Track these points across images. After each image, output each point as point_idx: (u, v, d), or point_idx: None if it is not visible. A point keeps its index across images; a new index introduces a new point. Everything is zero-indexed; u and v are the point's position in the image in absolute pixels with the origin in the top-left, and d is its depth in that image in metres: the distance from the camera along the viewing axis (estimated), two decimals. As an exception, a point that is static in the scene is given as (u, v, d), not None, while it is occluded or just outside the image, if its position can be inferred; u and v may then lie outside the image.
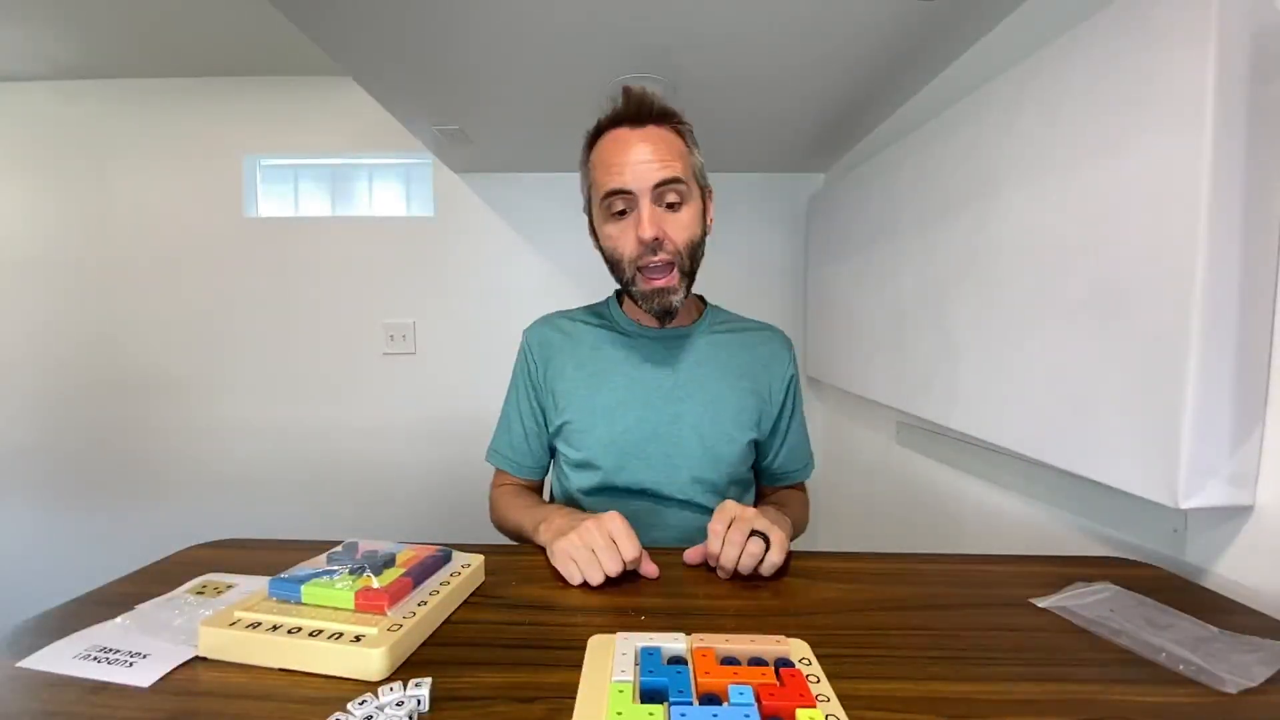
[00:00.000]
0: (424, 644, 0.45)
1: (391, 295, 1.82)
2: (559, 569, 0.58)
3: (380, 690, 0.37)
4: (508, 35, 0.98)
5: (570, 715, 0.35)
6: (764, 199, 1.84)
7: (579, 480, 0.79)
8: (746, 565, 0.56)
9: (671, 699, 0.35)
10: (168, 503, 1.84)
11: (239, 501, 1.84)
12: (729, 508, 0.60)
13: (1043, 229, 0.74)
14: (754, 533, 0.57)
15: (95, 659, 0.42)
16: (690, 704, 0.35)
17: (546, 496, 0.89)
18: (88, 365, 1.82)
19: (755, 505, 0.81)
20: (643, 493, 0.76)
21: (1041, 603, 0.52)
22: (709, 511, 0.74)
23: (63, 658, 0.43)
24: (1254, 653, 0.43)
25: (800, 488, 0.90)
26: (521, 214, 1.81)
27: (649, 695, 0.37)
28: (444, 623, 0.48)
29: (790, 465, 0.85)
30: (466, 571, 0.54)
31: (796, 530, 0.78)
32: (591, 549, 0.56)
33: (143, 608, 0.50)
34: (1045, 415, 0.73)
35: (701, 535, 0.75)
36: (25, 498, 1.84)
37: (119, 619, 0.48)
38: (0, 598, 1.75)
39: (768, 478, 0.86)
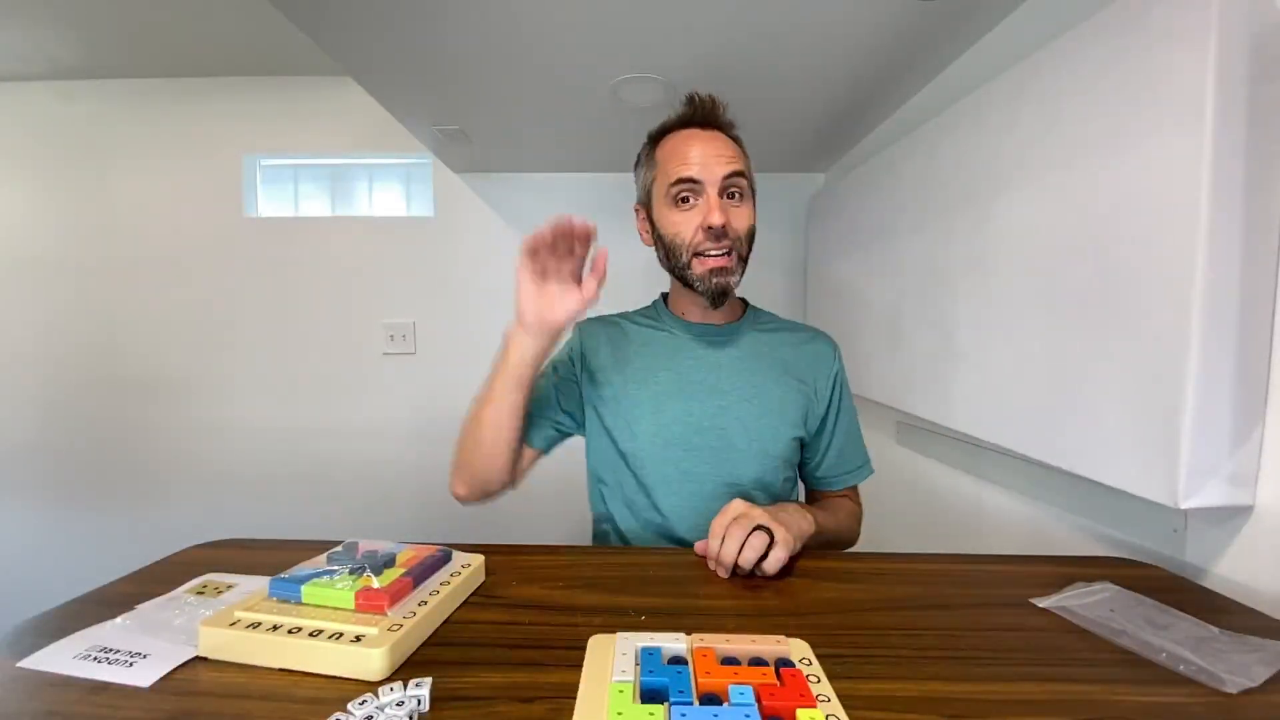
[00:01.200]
0: (424, 644, 0.45)
1: (391, 295, 1.82)
2: (520, 272, 0.66)
3: (380, 690, 0.37)
4: (508, 35, 0.98)
5: (570, 715, 0.35)
6: (764, 199, 1.80)
7: (619, 470, 0.79)
8: (747, 560, 0.56)
9: (672, 699, 0.35)
10: (168, 503, 1.84)
11: (239, 501, 1.84)
12: (734, 506, 0.60)
13: (1043, 229, 0.74)
14: (759, 528, 0.57)
15: (95, 659, 0.42)
16: (690, 704, 0.35)
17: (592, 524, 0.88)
18: (88, 365, 1.82)
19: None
20: (691, 485, 0.76)
21: (1042, 603, 0.52)
22: (760, 504, 0.75)
23: (63, 658, 0.43)
24: (1254, 653, 0.43)
25: (852, 495, 0.86)
26: (521, 214, 1.81)
27: (649, 695, 0.36)
28: (444, 623, 0.48)
29: (840, 468, 0.82)
30: (467, 571, 0.54)
31: (830, 535, 0.74)
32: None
33: (143, 608, 0.50)
34: (1045, 415, 0.73)
35: None
36: (25, 498, 1.84)
37: (119, 619, 0.48)
38: (0, 598, 1.75)
39: (817, 481, 0.84)
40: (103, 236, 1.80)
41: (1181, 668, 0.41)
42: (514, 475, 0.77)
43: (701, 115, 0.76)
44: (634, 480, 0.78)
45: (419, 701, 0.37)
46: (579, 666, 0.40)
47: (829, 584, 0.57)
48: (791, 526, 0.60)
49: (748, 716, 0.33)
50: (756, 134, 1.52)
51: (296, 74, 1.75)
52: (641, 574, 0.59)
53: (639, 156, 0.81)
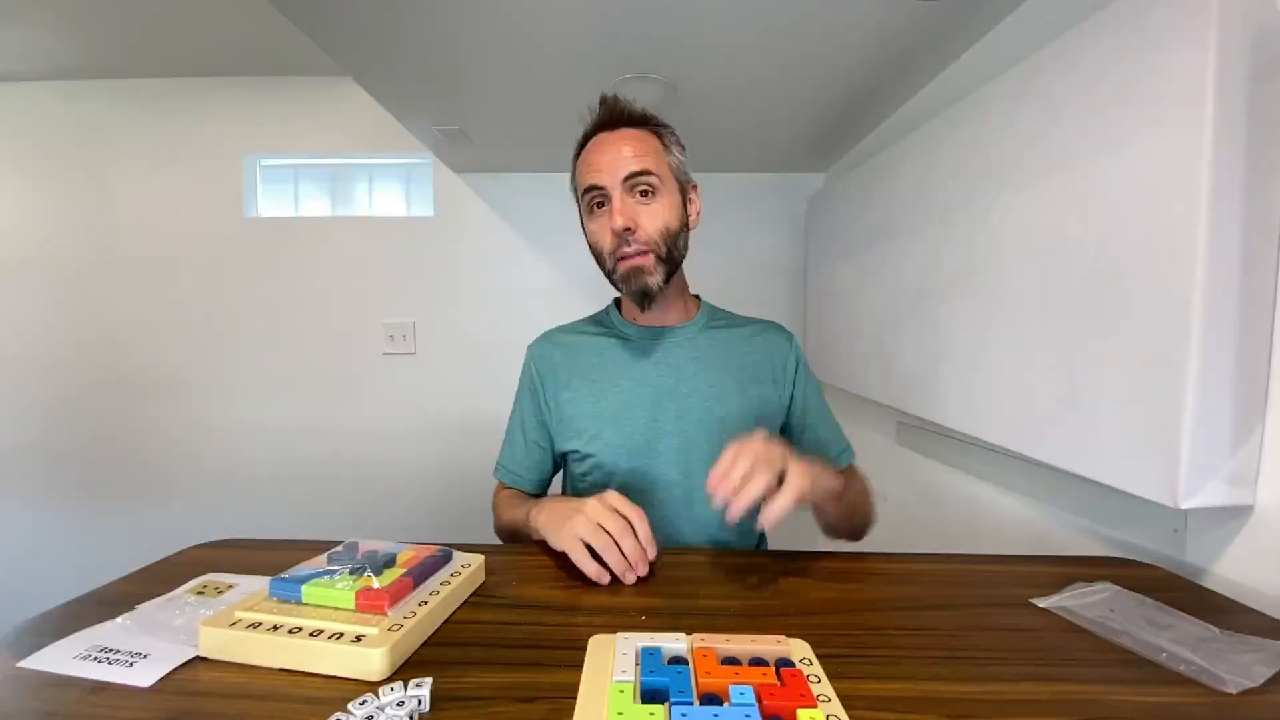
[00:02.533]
0: (424, 644, 0.45)
1: (391, 295, 1.82)
2: (569, 553, 0.57)
3: (381, 690, 0.37)
4: (508, 35, 0.98)
5: (571, 715, 0.35)
6: (764, 199, 1.84)
7: (588, 483, 0.79)
8: (747, 496, 0.50)
9: (672, 699, 0.35)
10: (168, 503, 1.84)
11: (239, 501, 1.84)
12: (743, 441, 0.55)
13: (1042, 229, 0.74)
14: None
15: (95, 659, 0.42)
16: (691, 704, 0.35)
17: None
18: (88, 365, 1.82)
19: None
20: (660, 492, 0.76)
21: (1042, 603, 0.52)
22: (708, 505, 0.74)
23: (63, 658, 0.43)
24: (1254, 653, 0.43)
25: (850, 472, 0.81)
26: (521, 214, 1.81)
27: (650, 695, 0.36)
28: (445, 623, 0.48)
29: (823, 454, 0.79)
30: (467, 571, 0.54)
31: (850, 502, 0.72)
32: (601, 524, 0.56)
33: (143, 608, 0.50)
34: (1045, 415, 0.73)
35: (724, 532, 0.75)
36: (25, 498, 1.84)
37: (119, 619, 0.48)
38: (0, 598, 1.75)
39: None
40: (103, 236, 1.80)
41: (1182, 668, 0.41)
42: None
43: (608, 115, 0.75)
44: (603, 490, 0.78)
45: (419, 701, 0.37)
46: (579, 666, 0.40)
47: (829, 584, 0.57)
48: (815, 474, 0.55)
49: (748, 717, 0.33)
50: (757, 134, 1.54)
51: (296, 74, 1.75)
52: (642, 574, 0.59)
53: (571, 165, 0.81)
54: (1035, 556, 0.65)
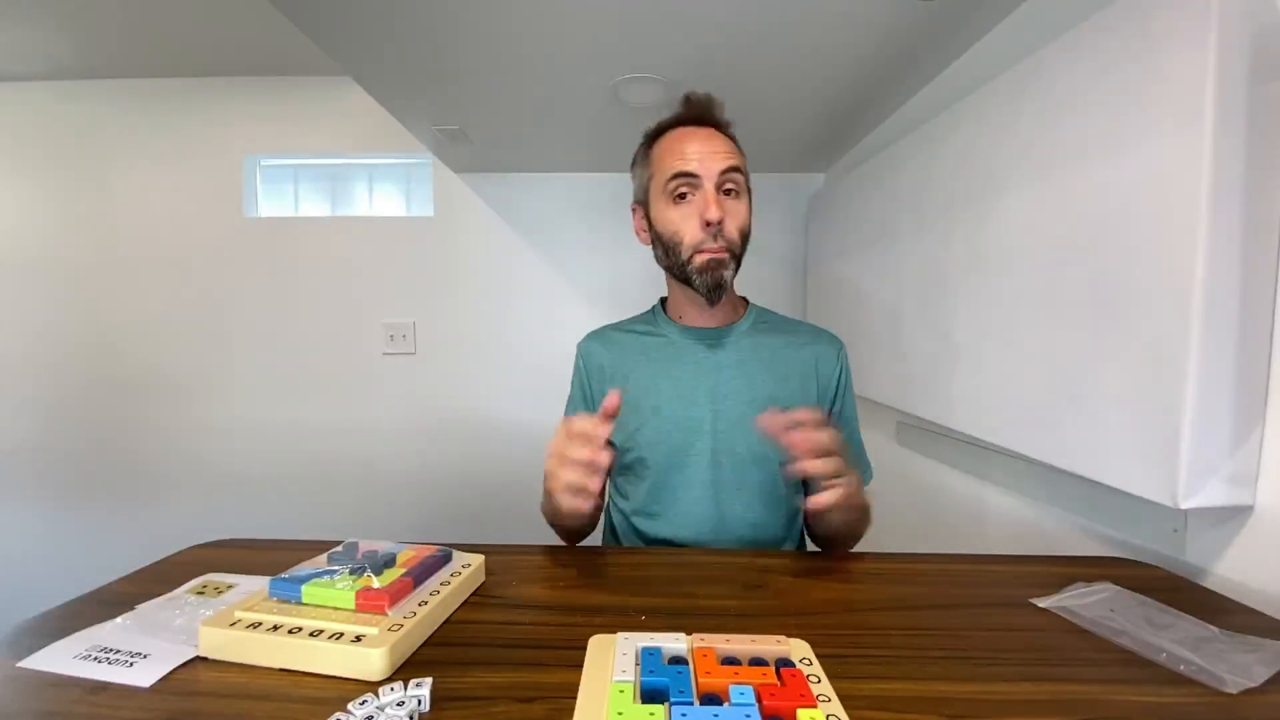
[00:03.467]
0: (424, 644, 0.45)
1: (391, 295, 1.82)
2: (553, 492, 0.58)
3: (381, 690, 0.37)
4: (508, 35, 0.98)
5: (571, 715, 0.35)
6: (764, 199, 1.82)
7: (632, 482, 0.79)
8: (818, 469, 0.57)
9: (672, 699, 0.35)
10: (168, 503, 1.84)
11: (239, 501, 1.84)
12: (821, 419, 0.60)
13: (1042, 229, 0.74)
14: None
15: (96, 659, 0.42)
16: (691, 704, 0.35)
17: (602, 521, 0.87)
18: (88, 365, 1.82)
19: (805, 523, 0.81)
20: (694, 491, 0.76)
21: (1042, 603, 0.52)
22: (758, 508, 0.75)
23: (63, 658, 0.43)
24: (1254, 653, 0.43)
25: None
26: (521, 214, 1.81)
27: (650, 695, 0.36)
28: (444, 623, 0.48)
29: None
30: (467, 571, 0.54)
31: (860, 521, 0.74)
32: (560, 454, 0.57)
33: (143, 608, 0.50)
34: (1045, 415, 0.73)
35: (752, 533, 0.76)
36: (25, 498, 1.84)
37: (119, 619, 0.48)
38: (0, 598, 1.75)
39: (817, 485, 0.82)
40: (103, 237, 1.80)
41: (1182, 668, 0.41)
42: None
43: (698, 113, 0.76)
44: (640, 489, 0.78)
45: (419, 701, 0.37)
46: (579, 666, 0.40)
47: (829, 584, 0.57)
48: (858, 487, 0.61)
49: (748, 717, 0.33)
50: (756, 134, 1.53)
51: (296, 74, 1.75)
52: (641, 574, 0.59)
53: (635, 156, 0.82)
54: (1035, 556, 0.65)
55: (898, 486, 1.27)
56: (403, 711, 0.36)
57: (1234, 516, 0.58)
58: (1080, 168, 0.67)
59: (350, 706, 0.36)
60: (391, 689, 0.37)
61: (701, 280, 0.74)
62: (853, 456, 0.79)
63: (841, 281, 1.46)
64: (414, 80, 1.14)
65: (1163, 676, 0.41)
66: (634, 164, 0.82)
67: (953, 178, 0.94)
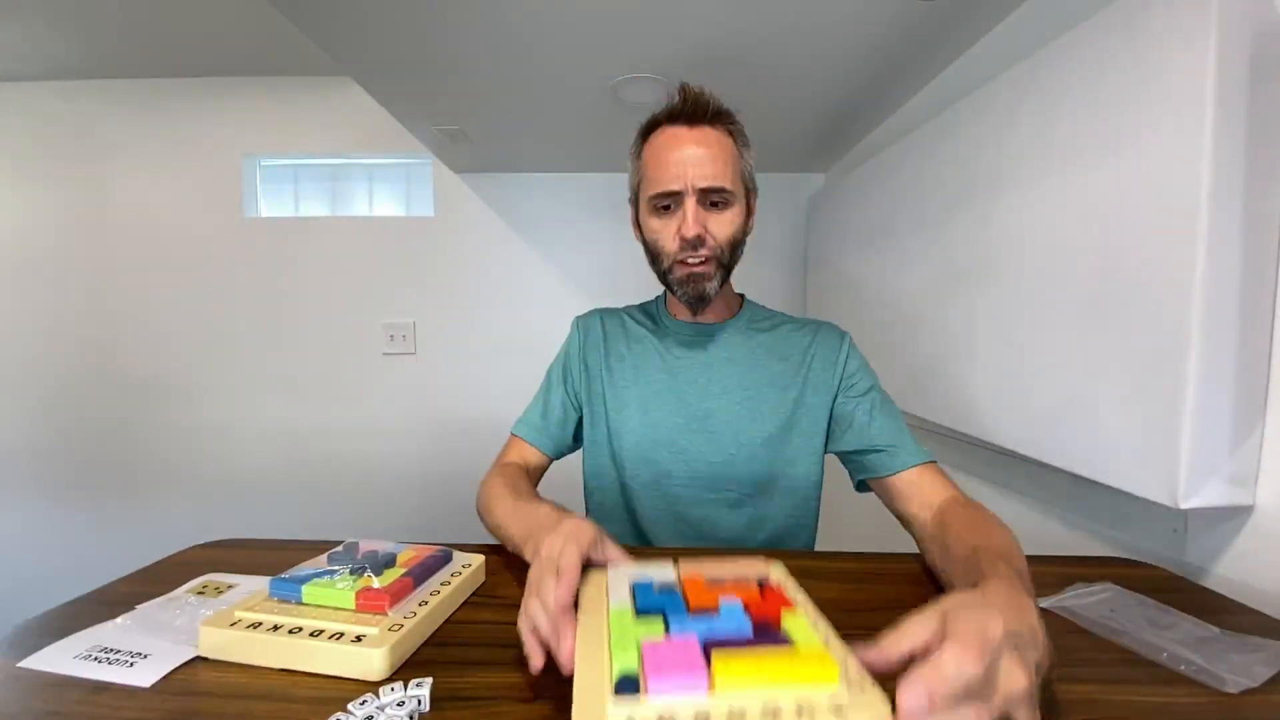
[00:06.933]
0: (425, 644, 0.45)
1: (391, 295, 1.83)
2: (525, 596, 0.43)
3: (381, 690, 0.37)
4: (508, 36, 0.98)
5: (570, 716, 0.35)
6: (764, 199, 1.81)
7: (607, 471, 0.79)
8: None
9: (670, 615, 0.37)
10: (168, 503, 1.84)
11: (239, 501, 1.84)
12: (972, 623, 0.31)
13: (1043, 229, 0.74)
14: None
15: (96, 659, 0.42)
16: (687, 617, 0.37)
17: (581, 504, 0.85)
18: (88, 365, 1.82)
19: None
20: (674, 488, 0.76)
21: (1042, 603, 0.52)
22: (735, 509, 0.74)
23: (64, 658, 0.43)
24: (1255, 652, 0.43)
25: (933, 470, 0.68)
26: (521, 214, 1.81)
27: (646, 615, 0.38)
28: (445, 623, 0.48)
29: (885, 443, 0.69)
30: (467, 571, 0.54)
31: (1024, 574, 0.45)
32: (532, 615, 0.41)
33: (143, 608, 0.50)
34: (1045, 415, 0.73)
35: (724, 535, 0.75)
36: (25, 498, 1.84)
37: (120, 619, 0.48)
38: (0, 598, 1.75)
39: (864, 468, 0.72)
40: (103, 237, 1.80)
41: (1182, 668, 0.41)
42: None
43: (689, 110, 0.72)
44: (617, 483, 0.78)
45: (419, 701, 0.37)
46: (579, 666, 0.40)
47: (828, 584, 0.57)
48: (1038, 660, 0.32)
49: (739, 622, 0.35)
50: (757, 134, 1.50)
51: (296, 74, 1.75)
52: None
53: (631, 149, 0.79)
54: (1035, 556, 0.64)
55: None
56: (403, 711, 0.36)
57: (1234, 516, 0.58)
58: (1080, 168, 0.67)
59: (350, 706, 0.36)
60: (392, 689, 0.37)
61: (683, 292, 0.74)
62: (888, 441, 0.70)
63: (841, 281, 1.46)
64: (414, 80, 1.14)
65: (1163, 676, 0.41)
66: (631, 157, 0.80)
67: (953, 177, 0.94)
